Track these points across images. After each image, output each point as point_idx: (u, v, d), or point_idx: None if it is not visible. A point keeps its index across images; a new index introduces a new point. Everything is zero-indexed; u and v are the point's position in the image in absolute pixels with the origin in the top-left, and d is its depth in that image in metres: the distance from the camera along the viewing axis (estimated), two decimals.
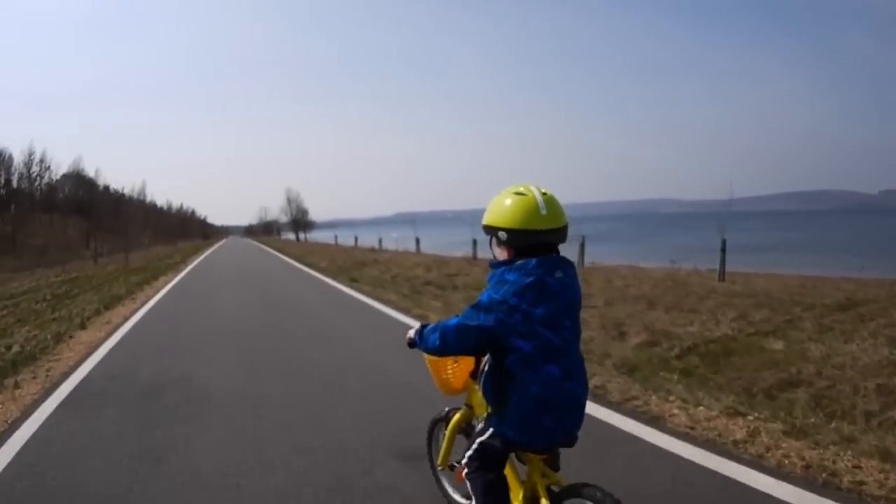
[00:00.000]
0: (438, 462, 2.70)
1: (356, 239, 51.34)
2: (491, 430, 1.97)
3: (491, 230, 1.91)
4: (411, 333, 2.17)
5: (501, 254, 1.94)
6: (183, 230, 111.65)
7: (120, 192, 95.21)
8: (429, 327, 2.08)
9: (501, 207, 1.87)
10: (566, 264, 1.90)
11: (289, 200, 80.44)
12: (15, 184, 62.15)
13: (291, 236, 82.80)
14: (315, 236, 75.50)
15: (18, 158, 64.15)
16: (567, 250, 1.93)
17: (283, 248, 39.71)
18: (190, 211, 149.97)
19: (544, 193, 1.87)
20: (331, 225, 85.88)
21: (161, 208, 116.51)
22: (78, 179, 74.64)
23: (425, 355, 2.27)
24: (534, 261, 1.82)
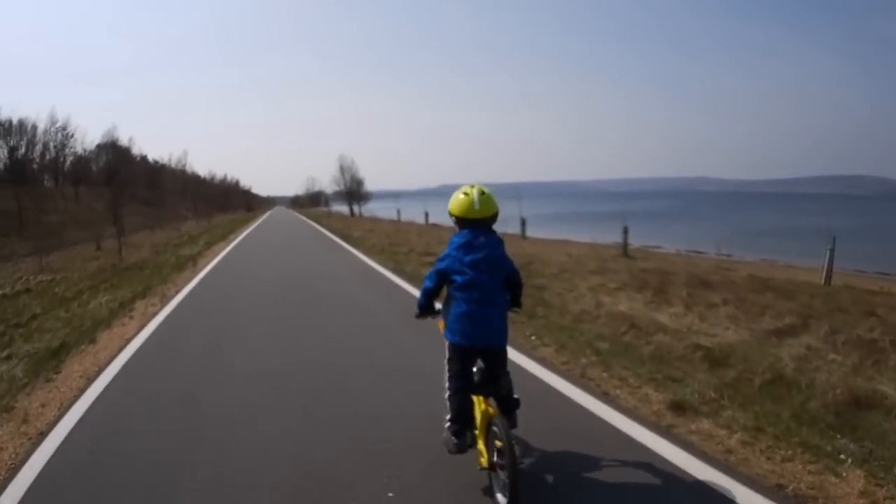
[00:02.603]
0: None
1: (427, 216, 41.77)
2: (447, 343, 3.18)
3: (450, 214, 3.23)
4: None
5: (455, 228, 3.25)
6: (225, 202, 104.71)
7: (158, 162, 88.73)
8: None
9: (455, 201, 3.20)
10: (489, 233, 3.16)
11: (342, 169, 69.54)
12: (38, 154, 55.06)
13: (341, 208, 73.96)
14: (371, 209, 66.06)
15: (44, 129, 57.01)
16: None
17: (348, 230, 28.38)
18: (234, 181, 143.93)
19: (482, 193, 3.16)
20: (378, 196, 76.71)
21: (203, 179, 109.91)
22: (112, 149, 67.47)
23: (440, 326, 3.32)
24: (466, 230, 3.15)
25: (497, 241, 3.15)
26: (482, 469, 3.03)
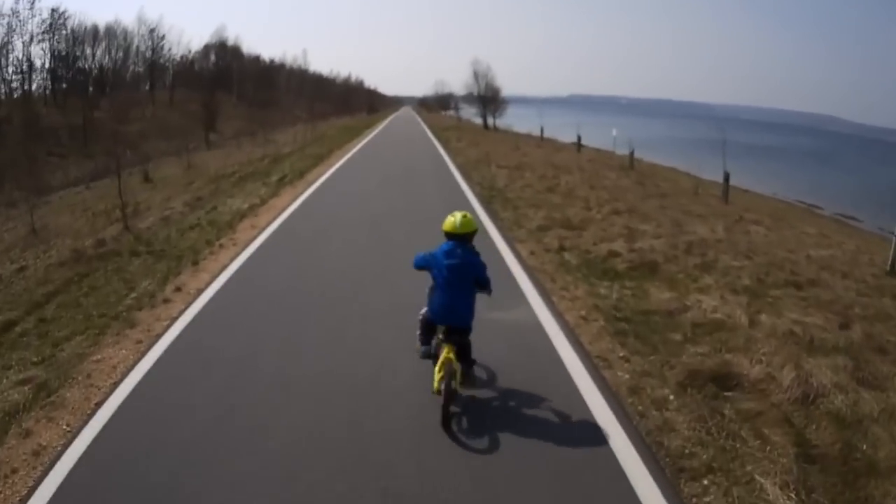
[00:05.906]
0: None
1: (579, 139, 31.56)
2: (425, 310, 4.53)
3: (443, 230, 4.41)
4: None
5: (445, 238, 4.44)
6: (347, 102, 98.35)
7: (271, 61, 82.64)
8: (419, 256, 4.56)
9: (446, 221, 4.40)
10: (465, 246, 4.36)
11: (476, 75, 59.63)
12: (131, 59, 50.16)
13: (468, 114, 64.63)
14: (509, 117, 56.03)
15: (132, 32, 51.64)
16: None
17: (488, 168, 18.20)
18: (358, 81, 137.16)
19: (465, 216, 4.39)
20: (508, 102, 66.08)
21: (323, 78, 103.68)
22: (219, 49, 61.63)
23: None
24: (451, 242, 4.36)
25: (471, 253, 4.41)
26: (433, 392, 4.22)
